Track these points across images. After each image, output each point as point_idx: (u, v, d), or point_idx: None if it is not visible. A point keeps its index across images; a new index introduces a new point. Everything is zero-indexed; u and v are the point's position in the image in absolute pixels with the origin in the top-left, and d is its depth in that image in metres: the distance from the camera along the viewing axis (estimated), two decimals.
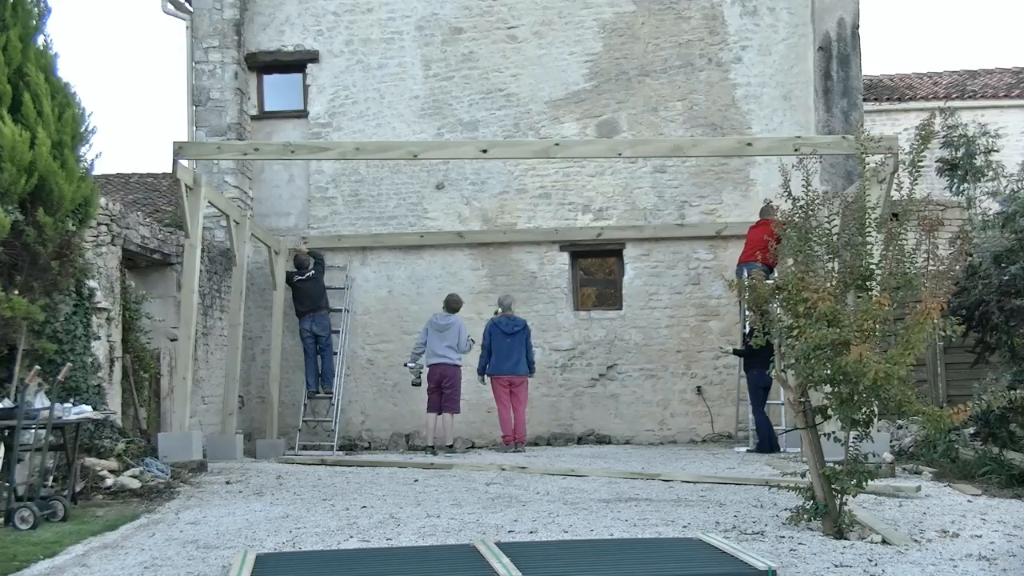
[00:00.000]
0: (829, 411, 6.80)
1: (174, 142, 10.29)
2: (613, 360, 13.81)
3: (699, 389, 13.62)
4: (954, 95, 19.08)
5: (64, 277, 8.59)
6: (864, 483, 6.63)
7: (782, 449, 11.34)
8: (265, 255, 14.16)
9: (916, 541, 6.34)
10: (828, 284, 6.63)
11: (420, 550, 6.31)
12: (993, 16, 50.30)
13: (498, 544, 6.07)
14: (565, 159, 13.32)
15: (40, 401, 7.90)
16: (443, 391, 12.53)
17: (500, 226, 14.10)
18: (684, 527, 6.92)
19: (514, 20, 14.21)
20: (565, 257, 14.08)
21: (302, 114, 14.53)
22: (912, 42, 49.64)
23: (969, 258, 10.08)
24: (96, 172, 9.77)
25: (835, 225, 7.05)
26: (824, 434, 6.82)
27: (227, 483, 9.53)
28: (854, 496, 6.76)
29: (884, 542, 6.26)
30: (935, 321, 6.37)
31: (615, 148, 11.28)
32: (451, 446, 12.48)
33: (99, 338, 9.42)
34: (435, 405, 12.60)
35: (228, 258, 13.42)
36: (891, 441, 10.45)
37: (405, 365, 12.90)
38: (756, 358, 10.14)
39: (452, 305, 12.79)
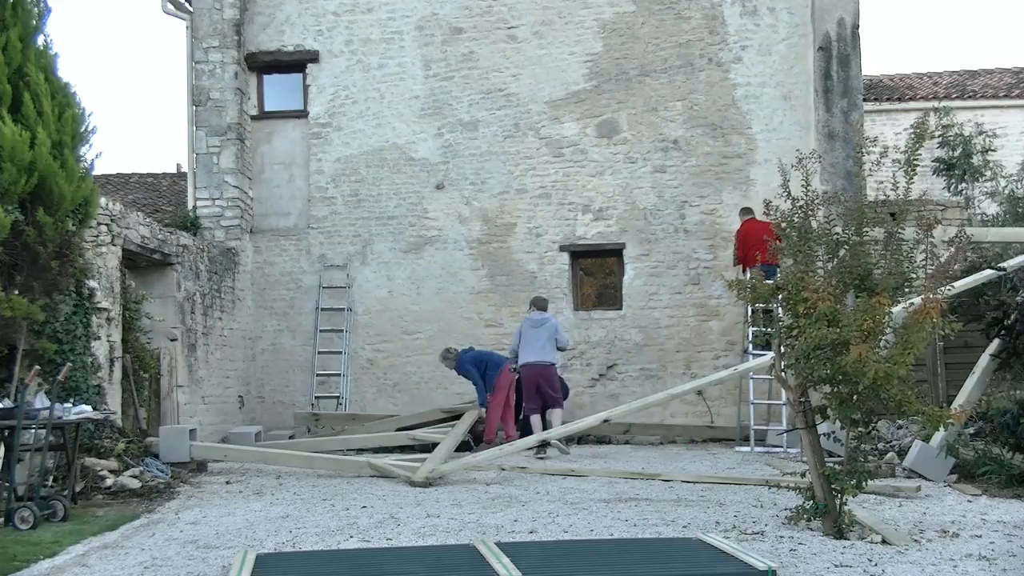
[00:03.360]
0: (829, 411, 6.81)
1: None
2: (613, 360, 13.81)
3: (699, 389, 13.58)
4: (954, 95, 19.07)
5: (64, 277, 8.59)
6: (864, 483, 6.63)
7: (783, 448, 11.33)
8: (265, 255, 14.21)
9: (916, 541, 6.35)
10: (830, 283, 6.63)
11: (420, 550, 6.32)
12: (993, 16, 50.34)
13: (498, 544, 6.07)
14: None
15: (40, 401, 7.91)
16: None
17: (500, 226, 14.10)
18: (684, 527, 6.92)
19: (514, 20, 14.21)
20: (565, 257, 14.08)
21: (302, 114, 14.53)
22: (912, 42, 49.67)
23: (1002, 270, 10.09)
24: (96, 172, 9.78)
25: (835, 225, 7.06)
26: (824, 434, 6.83)
27: (227, 483, 9.54)
28: (854, 496, 6.76)
29: (884, 542, 6.27)
30: (935, 321, 6.38)
31: None
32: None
33: (99, 338, 9.42)
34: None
35: (228, 258, 13.45)
36: (891, 441, 10.46)
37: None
38: None
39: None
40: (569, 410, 13.57)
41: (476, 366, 12.14)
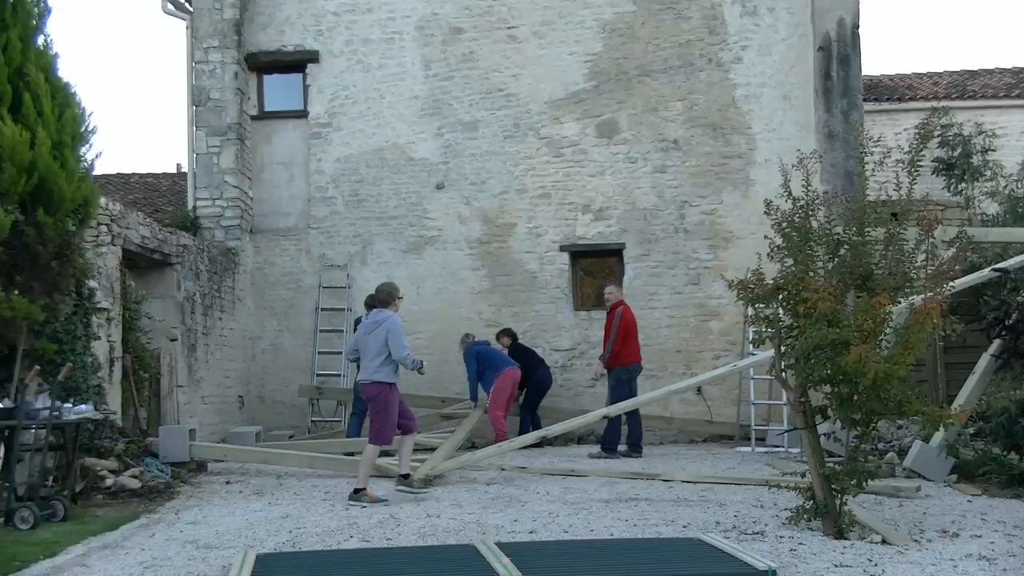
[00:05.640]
0: (829, 411, 6.82)
1: None
2: None
3: (699, 389, 13.57)
4: (954, 95, 19.03)
5: (64, 277, 8.58)
6: (864, 483, 6.64)
7: (784, 448, 11.32)
8: (265, 255, 14.20)
9: (916, 541, 6.35)
10: (830, 283, 6.63)
11: (420, 550, 6.32)
12: (993, 16, 50.32)
13: (498, 544, 6.08)
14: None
15: (40, 401, 7.91)
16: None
17: (500, 226, 14.10)
18: (684, 527, 6.93)
19: (514, 20, 14.20)
20: (565, 257, 14.07)
21: (302, 114, 14.53)
22: (912, 42, 49.65)
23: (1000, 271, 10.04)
24: (96, 172, 9.77)
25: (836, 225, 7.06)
26: (824, 434, 6.83)
27: (227, 483, 9.55)
28: (854, 496, 6.77)
29: (884, 542, 6.27)
30: (935, 321, 6.38)
31: None
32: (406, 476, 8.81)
33: (99, 338, 9.41)
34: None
35: (228, 258, 13.45)
36: (891, 441, 10.46)
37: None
38: None
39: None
40: (570, 410, 13.59)
41: (478, 361, 12.25)
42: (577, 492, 8.67)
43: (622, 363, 11.77)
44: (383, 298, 8.82)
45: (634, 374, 11.92)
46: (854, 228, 6.93)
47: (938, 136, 17.07)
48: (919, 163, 6.99)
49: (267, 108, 14.75)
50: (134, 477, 8.81)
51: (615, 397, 11.52)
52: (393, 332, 8.48)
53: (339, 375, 13.88)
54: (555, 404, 13.58)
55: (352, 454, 11.14)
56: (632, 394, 11.63)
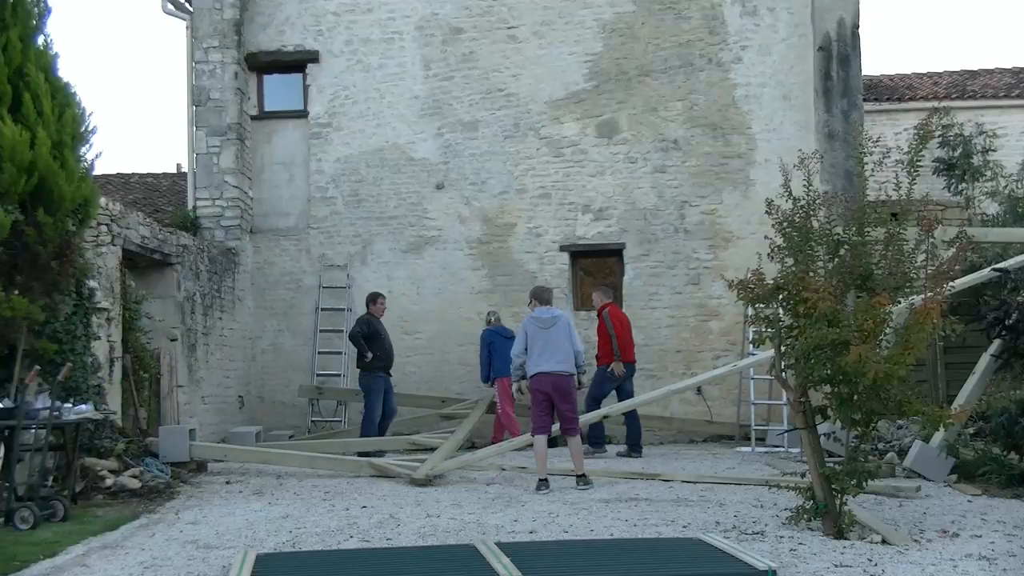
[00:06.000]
0: (829, 411, 6.82)
1: None
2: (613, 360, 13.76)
3: (699, 389, 13.57)
4: (954, 95, 19.02)
5: (64, 277, 8.58)
6: (864, 483, 6.64)
7: (784, 448, 11.31)
8: (265, 255, 14.19)
9: (916, 541, 6.35)
10: (830, 283, 6.63)
11: (420, 550, 6.33)
12: (993, 16, 50.32)
13: (498, 544, 6.08)
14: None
15: (40, 401, 7.91)
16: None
17: (500, 226, 14.10)
18: (684, 527, 6.93)
19: (514, 20, 14.20)
20: (565, 257, 14.07)
21: (302, 114, 14.53)
22: (912, 42, 49.64)
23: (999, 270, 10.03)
24: (96, 172, 9.77)
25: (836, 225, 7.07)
26: (824, 434, 6.84)
27: (227, 483, 9.55)
28: (854, 496, 6.77)
29: (884, 542, 6.28)
30: (935, 321, 6.38)
31: None
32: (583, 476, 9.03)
33: (99, 338, 9.41)
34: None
35: (228, 258, 13.45)
36: (891, 441, 10.46)
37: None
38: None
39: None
40: None
41: (488, 345, 12.53)
42: (577, 492, 8.67)
43: (613, 360, 11.84)
44: (548, 297, 9.76)
45: (628, 373, 11.96)
46: (854, 228, 6.93)
47: (938, 136, 17.07)
48: (919, 163, 6.99)
49: (267, 108, 14.76)
50: (134, 477, 8.81)
51: (596, 392, 11.66)
52: (573, 328, 9.47)
53: (339, 375, 13.88)
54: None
55: (368, 454, 11.06)
56: (629, 394, 11.71)
